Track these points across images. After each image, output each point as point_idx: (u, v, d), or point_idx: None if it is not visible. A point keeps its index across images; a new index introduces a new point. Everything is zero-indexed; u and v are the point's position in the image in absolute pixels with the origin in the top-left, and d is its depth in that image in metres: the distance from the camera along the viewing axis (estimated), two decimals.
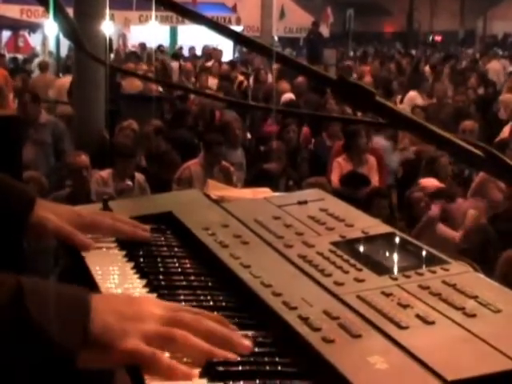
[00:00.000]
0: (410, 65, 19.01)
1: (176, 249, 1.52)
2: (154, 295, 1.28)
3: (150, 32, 21.84)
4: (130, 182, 7.00)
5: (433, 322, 1.11)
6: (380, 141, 9.35)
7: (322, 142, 9.66)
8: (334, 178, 8.25)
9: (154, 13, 20.69)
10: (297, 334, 1.10)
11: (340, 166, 8.41)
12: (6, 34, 24.36)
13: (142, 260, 1.43)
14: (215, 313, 1.21)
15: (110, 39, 17.34)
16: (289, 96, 12.14)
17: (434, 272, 1.28)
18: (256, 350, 1.09)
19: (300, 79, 12.50)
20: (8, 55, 20.82)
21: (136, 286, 1.33)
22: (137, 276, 1.37)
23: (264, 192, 1.82)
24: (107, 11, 10.13)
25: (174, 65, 18.29)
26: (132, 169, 7.35)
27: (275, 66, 12.25)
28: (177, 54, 21.02)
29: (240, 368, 1.05)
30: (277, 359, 1.08)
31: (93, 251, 1.48)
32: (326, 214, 1.57)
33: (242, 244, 1.45)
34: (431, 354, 1.02)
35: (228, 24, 23.99)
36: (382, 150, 9.03)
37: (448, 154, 6.22)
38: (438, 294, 1.19)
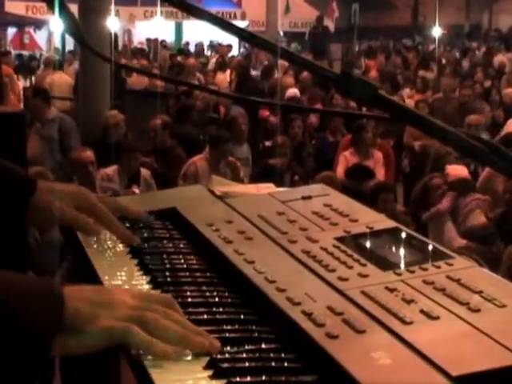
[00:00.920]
0: (416, 59, 18.96)
1: (180, 245, 1.51)
2: (159, 291, 1.28)
3: (155, 28, 21.83)
4: (136, 190, 6.98)
5: (437, 318, 1.11)
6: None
7: (324, 138, 9.68)
8: (340, 171, 8.29)
9: (159, 8, 20.73)
10: (301, 329, 1.10)
11: (346, 160, 8.45)
12: (12, 30, 24.38)
13: (146, 256, 1.43)
14: (220, 309, 1.21)
15: (116, 35, 17.36)
16: (293, 91, 12.13)
17: (438, 267, 1.27)
18: (260, 345, 1.09)
19: (305, 74, 12.49)
20: (14, 52, 20.86)
21: (141, 283, 1.33)
22: (141, 272, 1.37)
23: (268, 187, 1.82)
24: (112, 7, 10.13)
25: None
26: (137, 163, 7.35)
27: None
28: (182, 50, 21.00)
29: (244, 364, 1.05)
30: (281, 355, 1.07)
31: (97, 248, 1.48)
32: (330, 210, 1.57)
33: (245, 240, 1.45)
34: (435, 349, 1.02)
35: (233, 19, 23.98)
36: (390, 145, 9.03)
37: (453, 149, 6.20)
38: (442, 289, 1.19)
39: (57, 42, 20.33)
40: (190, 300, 1.24)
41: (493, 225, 6.46)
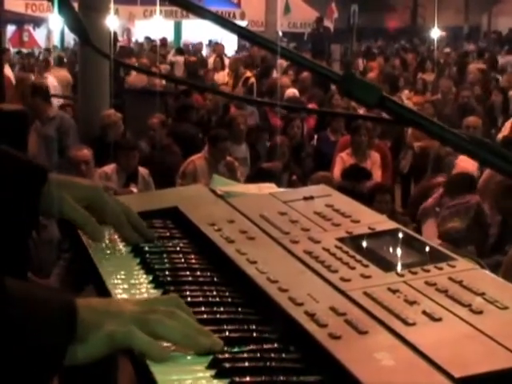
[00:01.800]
0: (415, 60, 18.97)
1: (182, 244, 1.51)
2: (160, 291, 1.28)
3: (155, 27, 21.81)
4: (134, 189, 6.98)
5: (439, 319, 1.11)
6: None
7: (325, 137, 9.67)
8: (336, 171, 8.30)
9: (158, 7, 20.72)
10: (303, 329, 1.10)
11: (343, 161, 8.46)
12: (11, 28, 24.35)
13: (148, 256, 1.43)
14: (221, 308, 1.21)
15: (115, 33, 17.34)
16: (292, 91, 12.13)
17: (440, 269, 1.27)
18: (262, 346, 1.09)
19: (304, 74, 12.49)
20: (12, 50, 20.84)
21: (142, 282, 1.33)
22: (143, 272, 1.37)
23: (269, 188, 1.82)
24: (112, 5, 10.11)
25: (179, 59, 18.27)
26: (135, 162, 7.35)
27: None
28: (181, 49, 20.98)
29: (246, 364, 1.05)
30: (283, 355, 1.08)
31: (99, 246, 1.48)
32: (332, 210, 1.57)
33: (248, 239, 1.45)
34: (438, 350, 1.02)
35: (232, 19, 23.93)
36: (387, 147, 9.03)
37: (453, 150, 6.20)
38: (444, 291, 1.19)
39: (56, 40, 20.32)
40: (191, 299, 1.24)
41: (465, 230, 6.43)
